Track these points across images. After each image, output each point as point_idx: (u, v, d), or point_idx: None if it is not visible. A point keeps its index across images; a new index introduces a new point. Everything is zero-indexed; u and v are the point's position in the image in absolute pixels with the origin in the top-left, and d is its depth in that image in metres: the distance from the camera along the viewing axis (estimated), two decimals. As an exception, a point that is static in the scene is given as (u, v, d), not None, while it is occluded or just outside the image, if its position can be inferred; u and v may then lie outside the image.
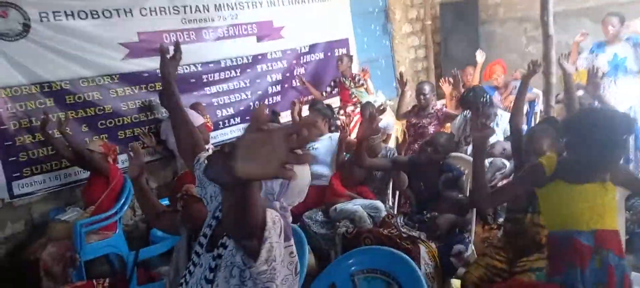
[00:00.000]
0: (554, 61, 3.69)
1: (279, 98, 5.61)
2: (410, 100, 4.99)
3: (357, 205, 3.22)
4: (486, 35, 7.35)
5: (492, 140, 3.71)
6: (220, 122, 5.06)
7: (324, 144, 3.83)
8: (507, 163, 3.54)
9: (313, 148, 3.81)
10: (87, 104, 4.08)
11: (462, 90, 4.47)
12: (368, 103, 4.86)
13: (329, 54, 6.04)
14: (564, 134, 1.96)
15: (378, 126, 2.71)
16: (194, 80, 4.80)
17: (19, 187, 3.74)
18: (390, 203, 3.43)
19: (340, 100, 5.71)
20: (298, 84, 5.75)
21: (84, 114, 4.08)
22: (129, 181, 3.84)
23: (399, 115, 4.69)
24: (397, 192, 3.44)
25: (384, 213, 3.17)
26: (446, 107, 4.60)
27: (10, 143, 3.68)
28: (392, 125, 4.79)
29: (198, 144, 1.67)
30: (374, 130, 2.69)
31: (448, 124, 4.33)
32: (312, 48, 5.93)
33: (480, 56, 5.16)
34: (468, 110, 3.82)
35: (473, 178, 2.05)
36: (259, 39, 5.33)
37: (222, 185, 0.94)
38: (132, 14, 4.29)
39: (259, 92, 5.40)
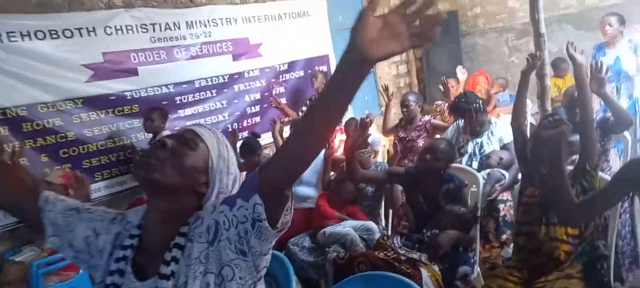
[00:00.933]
0: (547, 62, 3.50)
1: (258, 118, 5.32)
2: (395, 116, 4.77)
3: (347, 227, 2.93)
4: (468, 47, 7.23)
5: (487, 149, 3.48)
6: (196, 146, 4.72)
7: (308, 163, 3.53)
8: (506, 174, 3.29)
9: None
10: (47, 132, 3.73)
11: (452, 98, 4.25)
12: (351, 118, 4.60)
13: (309, 71, 5.79)
14: None
15: (367, 136, 2.45)
16: (166, 103, 4.48)
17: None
18: (384, 223, 3.14)
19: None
20: (273, 105, 5.47)
21: (44, 143, 3.71)
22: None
23: (385, 131, 4.44)
24: (391, 211, 3.16)
25: (377, 235, 2.89)
26: (434, 118, 4.37)
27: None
28: (379, 141, 4.52)
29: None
30: (364, 139, 2.42)
31: (438, 136, 4.08)
32: (292, 65, 5.69)
33: (461, 74, 4.98)
34: (461, 119, 3.59)
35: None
36: (235, 57, 5.06)
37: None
38: (95, 33, 3.98)
39: (237, 113, 5.11)
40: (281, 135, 4.55)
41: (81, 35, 3.90)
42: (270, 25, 5.39)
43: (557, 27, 6.34)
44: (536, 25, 3.40)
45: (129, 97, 4.19)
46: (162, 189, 1.06)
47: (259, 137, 4.05)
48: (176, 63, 4.54)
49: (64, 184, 3.37)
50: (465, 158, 3.49)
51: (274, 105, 5.40)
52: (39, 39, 3.67)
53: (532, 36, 3.47)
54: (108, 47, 4.06)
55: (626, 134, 3.22)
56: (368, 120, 3.86)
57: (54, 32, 3.74)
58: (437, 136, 4.08)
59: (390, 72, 7.31)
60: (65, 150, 3.82)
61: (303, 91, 5.70)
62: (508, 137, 3.42)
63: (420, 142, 4.02)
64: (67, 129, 3.83)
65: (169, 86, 4.51)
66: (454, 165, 2.77)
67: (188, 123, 4.66)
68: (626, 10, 4.70)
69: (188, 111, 4.68)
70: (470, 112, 3.42)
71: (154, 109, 4.00)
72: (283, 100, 5.51)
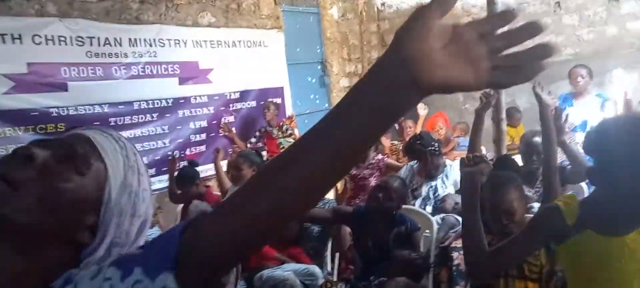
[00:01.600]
0: (503, 106, 3.40)
1: (203, 147, 4.96)
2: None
3: (288, 271, 2.61)
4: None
5: (441, 192, 3.30)
6: (130, 173, 4.30)
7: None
8: (461, 220, 3.09)
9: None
10: (-52, 146, 3.23)
11: (407, 138, 4.09)
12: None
13: (262, 102, 5.53)
14: (590, 153, 1.43)
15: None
16: (98, 123, 4.05)
17: None
18: (329, 268, 2.84)
19: (267, 152, 5.16)
20: (222, 133, 5.16)
21: (-57, 159, 3.20)
22: None
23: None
24: (338, 254, 2.87)
25: (321, 281, 2.59)
26: (388, 157, 4.18)
27: None
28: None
29: None
30: None
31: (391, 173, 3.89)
32: (243, 95, 5.41)
33: (422, 109, 4.87)
34: (415, 161, 3.40)
35: (464, 233, 1.52)
36: (182, 81, 4.73)
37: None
38: (21, 41, 3.57)
39: (180, 140, 4.74)
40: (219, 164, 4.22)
41: (4, 41, 3.48)
42: (223, 52, 5.14)
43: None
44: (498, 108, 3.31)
45: (54, 114, 3.76)
46: (15, 232, 0.65)
47: (197, 165, 3.70)
48: (114, 81, 4.16)
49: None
50: (418, 202, 3.29)
51: (223, 132, 5.08)
52: (-50, 41, 3.22)
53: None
54: (35, 58, 3.65)
55: (583, 184, 3.12)
56: None
57: (-30, 35, 3.32)
58: (391, 173, 3.89)
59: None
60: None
61: (254, 122, 5.42)
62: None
63: (373, 181, 3.79)
64: (-25, 144, 3.35)
65: (103, 105, 4.11)
66: (409, 207, 2.54)
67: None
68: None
69: (125, 134, 4.21)
70: (426, 155, 3.24)
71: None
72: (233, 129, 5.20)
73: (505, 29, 0.49)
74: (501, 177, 1.99)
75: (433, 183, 3.31)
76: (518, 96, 6.38)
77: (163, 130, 4.58)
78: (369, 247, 2.33)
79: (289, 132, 5.01)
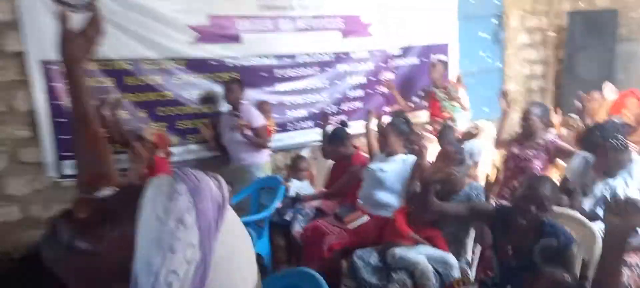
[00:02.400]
0: None
1: (360, 104, 4.99)
2: (514, 125, 4.08)
3: (421, 254, 2.52)
4: (625, 55, 6.02)
5: (621, 194, 2.75)
6: (289, 124, 4.58)
7: (395, 167, 3.13)
8: (641, 231, 2.57)
9: (381, 170, 3.15)
10: (148, 88, 3.83)
11: (587, 122, 3.49)
12: (447, 128, 4.04)
13: (425, 59, 5.27)
14: None
15: (452, 167, 2.01)
16: (266, 75, 4.36)
17: (69, 167, 3.57)
18: (469, 258, 2.65)
19: (430, 114, 4.94)
20: (384, 90, 5.09)
21: (144, 98, 3.82)
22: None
23: (498, 143, 3.82)
24: (479, 248, 2.66)
25: (456, 272, 2.45)
26: (560, 138, 3.64)
27: (63, 120, 3.51)
28: (479, 151, 3.93)
29: (107, 174, 1.08)
30: (445, 174, 1.99)
31: (560, 162, 3.39)
32: (405, 51, 5.21)
33: (610, 92, 4.06)
34: (592, 154, 2.88)
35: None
36: (345, 35, 4.74)
37: None
38: (203, -5, 3.95)
39: (337, 95, 4.83)
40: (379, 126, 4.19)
41: (189, -5, 3.89)
42: (386, 4, 4.94)
43: None
44: None
45: (230, 65, 4.14)
46: None
47: (348, 126, 3.74)
48: (281, 34, 4.37)
49: (154, 143, 3.44)
50: (589, 202, 2.81)
51: (386, 87, 5.02)
52: (150, -5, 3.72)
53: None
54: (215, 11, 4.02)
55: None
56: (470, 133, 3.33)
57: (166, -10, 3.78)
58: (560, 162, 3.40)
59: (521, 70, 6.42)
60: (163, 108, 3.91)
61: (415, 81, 5.22)
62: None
63: (537, 164, 3.37)
64: (166, 88, 3.90)
65: (270, 58, 4.37)
66: (566, 210, 2.19)
67: (284, 99, 4.51)
68: None
69: (287, 86, 4.51)
70: (604, 148, 2.71)
71: (234, 80, 3.90)
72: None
73: None
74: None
75: (612, 182, 2.78)
76: None
77: (323, 84, 4.71)
78: (509, 255, 2.09)
79: (455, 95, 4.70)
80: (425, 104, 5.02)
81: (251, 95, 4.23)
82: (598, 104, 4.27)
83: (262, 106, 4.11)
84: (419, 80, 5.21)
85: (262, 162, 3.88)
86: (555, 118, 4.45)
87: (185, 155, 4.04)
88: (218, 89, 4.09)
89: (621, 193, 2.74)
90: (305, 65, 4.58)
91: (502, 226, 2.16)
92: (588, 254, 2.24)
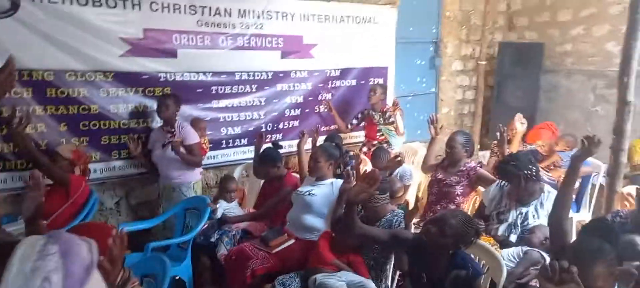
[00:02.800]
0: (627, 135, 2.87)
1: (296, 123, 5.01)
2: (440, 151, 4.25)
3: (342, 281, 2.56)
4: (549, 85, 6.45)
5: (532, 222, 2.93)
6: (224, 141, 4.52)
7: (323, 191, 3.17)
8: (547, 258, 2.73)
9: (310, 194, 3.18)
10: (70, 101, 3.64)
11: (506, 151, 3.68)
12: (382, 150, 4.16)
13: (363, 81, 5.39)
14: None
15: (374, 190, 2.07)
16: (201, 91, 4.29)
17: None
18: (389, 284, 2.71)
19: (365, 136, 5.05)
20: (322, 110, 5.15)
21: (65, 111, 3.63)
22: (95, 195, 3.38)
23: (424, 167, 3.96)
24: (398, 273, 2.73)
25: (374, 298, 2.49)
26: (482, 165, 3.82)
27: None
28: (410, 174, 4.05)
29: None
30: (367, 195, 2.04)
31: (480, 189, 3.55)
32: (344, 72, 5.31)
33: (520, 124, 4.33)
34: (506, 183, 3.05)
35: None
36: (284, 55, 4.76)
37: None
38: (140, 8, 3.84)
39: (274, 113, 4.83)
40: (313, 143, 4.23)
41: (125, 7, 3.77)
42: (329, 27, 5.04)
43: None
44: (623, 90, 2.78)
45: (162, 79, 4.04)
46: None
47: (281, 147, 3.74)
48: (220, 51, 4.32)
49: (71, 160, 3.28)
50: (503, 227, 2.96)
51: (325, 107, 5.08)
52: (80, 4, 3.57)
53: (616, 102, 2.85)
54: (151, 24, 3.91)
55: None
56: (398, 159, 3.42)
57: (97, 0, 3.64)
58: (480, 189, 3.56)
59: (454, 96, 6.71)
60: (86, 122, 3.74)
61: (352, 102, 5.31)
62: (560, 214, 2.85)
63: (459, 190, 3.52)
64: (92, 101, 3.73)
65: (207, 74, 4.31)
66: (480, 242, 2.29)
67: (221, 115, 4.46)
68: None
69: (223, 103, 4.46)
70: (519, 178, 2.87)
71: (169, 96, 3.82)
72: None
73: None
74: (587, 247, 1.68)
75: (524, 209, 2.95)
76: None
77: (260, 102, 4.70)
78: (423, 283, 2.16)
79: (392, 119, 4.82)
80: (362, 125, 5.12)
81: (186, 111, 4.14)
82: (513, 132, 4.51)
83: (196, 123, 4.03)
84: (356, 102, 5.32)
85: (193, 181, 3.79)
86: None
87: (109, 172, 3.89)
88: (150, 103, 3.98)
89: (531, 220, 2.91)
90: (243, 82, 4.55)
91: (418, 254, 2.23)
92: (496, 280, 2.36)
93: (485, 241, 2.98)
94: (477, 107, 6.48)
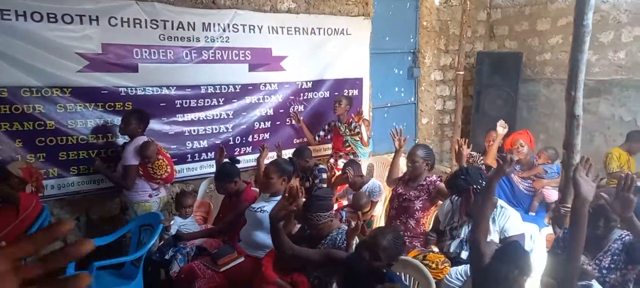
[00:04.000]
0: (578, 149, 2.80)
1: (267, 135, 4.97)
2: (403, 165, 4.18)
3: (281, 301, 2.48)
4: (529, 95, 6.40)
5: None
6: (189, 155, 4.47)
7: (276, 207, 3.10)
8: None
9: (262, 210, 3.11)
10: (26, 117, 3.61)
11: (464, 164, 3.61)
12: (352, 162, 4.11)
13: (337, 93, 5.34)
14: None
15: (295, 207, 2.01)
16: (164, 105, 4.26)
17: None
18: (332, 303, 2.64)
19: (332, 148, 5.00)
20: (294, 122, 5.10)
21: (20, 128, 3.60)
22: (47, 212, 3.33)
23: (388, 181, 3.90)
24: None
25: (313, 319, 2.41)
26: (442, 179, 3.75)
27: None
28: (379, 190, 3.99)
29: None
30: (288, 213, 1.99)
31: (440, 202, 3.48)
32: (317, 84, 5.27)
33: (501, 128, 4.27)
34: (457, 197, 2.98)
35: None
36: (252, 68, 4.73)
37: None
38: (98, 23, 3.82)
39: (243, 126, 4.78)
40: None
41: (82, 22, 3.75)
42: (300, 39, 5.01)
43: (635, 94, 5.37)
44: (570, 104, 2.71)
45: (123, 94, 4.00)
46: None
47: (238, 162, 3.68)
48: (184, 65, 4.29)
49: (21, 177, 3.23)
50: (455, 244, 2.89)
51: (294, 120, 5.04)
52: (35, 20, 3.55)
53: (566, 116, 2.78)
54: (110, 39, 3.88)
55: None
56: (344, 176, 3.35)
57: (52, 15, 3.61)
58: (440, 202, 3.49)
59: (434, 106, 6.66)
60: (42, 138, 3.70)
61: (326, 114, 5.27)
62: (513, 229, 2.78)
63: (418, 205, 3.45)
64: (48, 116, 3.70)
65: (170, 88, 4.27)
66: (408, 259, 2.22)
67: (186, 129, 4.41)
68: None
69: (188, 117, 4.42)
70: (469, 192, 2.80)
71: (133, 112, 3.77)
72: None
73: None
74: (494, 275, 1.61)
75: (476, 225, 2.88)
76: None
77: (228, 115, 4.66)
78: (352, 305, 2.11)
79: (357, 130, 4.77)
80: (330, 137, 5.07)
81: (149, 125, 4.10)
82: (493, 140, 4.45)
83: (142, 149, 3.86)
84: (330, 114, 5.26)
85: (134, 202, 3.70)
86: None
87: (67, 187, 3.84)
88: (111, 118, 3.94)
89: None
90: (209, 96, 4.51)
91: (349, 273, 2.16)
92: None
93: (437, 258, 2.94)
94: (456, 117, 6.40)
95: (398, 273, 2.51)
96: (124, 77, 3.99)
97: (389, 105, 6.24)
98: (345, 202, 4.25)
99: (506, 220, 2.79)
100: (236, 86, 4.66)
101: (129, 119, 3.62)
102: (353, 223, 2.46)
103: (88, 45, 3.79)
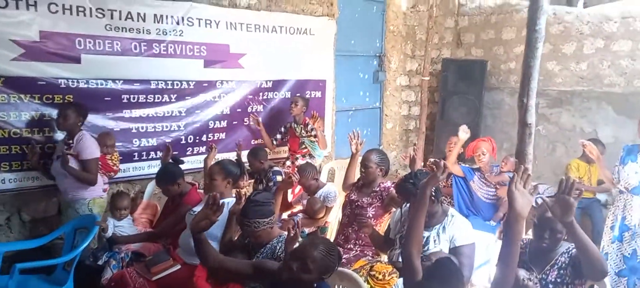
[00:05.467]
0: (530, 158, 2.70)
1: (223, 135, 4.76)
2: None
3: (211, 314, 2.29)
4: (493, 103, 6.36)
5: (432, 248, 2.72)
6: (136, 154, 4.23)
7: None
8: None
9: (201, 213, 2.91)
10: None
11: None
12: (307, 165, 3.95)
13: (298, 94, 5.16)
14: None
15: (216, 216, 1.84)
16: (109, 99, 4.00)
17: None
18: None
19: (289, 149, 4.84)
20: (250, 123, 4.91)
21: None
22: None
23: (344, 186, 3.75)
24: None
25: (245, 334, 2.23)
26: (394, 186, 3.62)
27: None
28: (334, 196, 3.83)
29: None
30: (209, 223, 1.81)
31: (394, 210, 3.35)
32: (277, 84, 5.09)
33: (464, 133, 4.18)
34: (407, 204, 2.85)
35: None
36: (207, 64, 4.51)
37: None
38: (36, 8, 3.55)
39: (196, 125, 4.56)
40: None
41: (17, 7, 3.47)
42: (260, 37, 4.83)
43: (596, 106, 5.39)
44: (523, 112, 2.61)
45: (62, 85, 3.74)
46: None
47: (182, 162, 3.47)
48: (132, 58, 4.05)
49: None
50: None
51: (252, 123, 4.85)
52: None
53: (517, 123, 2.68)
54: (49, 26, 3.62)
55: (606, 281, 2.38)
56: (289, 180, 3.20)
57: (-16, -2, 3.34)
58: (393, 210, 3.35)
59: (400, 111, 6.57)
60: (-35, 131, 3.42)
61: (287, 116, 5.09)
62: (463, 239, 2.66)
63: (371, 212, 3.31)
64: (-25, 107, 3.42)
65: (117, 82, 4.02)
66: (344, 271, 2.07)
67: (134, 126, 4.17)
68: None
69: (136, 113, 4.18)
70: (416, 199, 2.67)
71: (69, 105, 3.53)
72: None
73: None
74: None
75: (426, 233, 2.73)
76: (601, 128, 5.34)
77: (180, 112, 4.43)
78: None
79: (314, 132, 4.62)
80: (287, 139, 4.91)
81: (92, 120, 3.85)
82: (454, 145, 4.36)
83: (103, 139, 3.70)
84: (290, 115, 5.10)
85: (88, 199, 3.45)
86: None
87: (-2, 185, 3.56)
88: (49, 111, 3.67)
89: (431, 246, 2.71)
90: (160, 91, 4.28)
91: (281, 285, 1.99)
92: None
93: (384, 268, 2.80)
94: (421, 124, 6.33)
95: (335, 286, 2.36)
96: (65, 68, 3.73)
97: (354, 109, 6.12)
98: (300, 207, 4.07)
99: (456, 229, 2.67)
100: (190, 82, 4.44)
101: (67, 113, 3.36)
102: (292, 232, 2.29)
103: (24, 32, 3.52)
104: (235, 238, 2.82)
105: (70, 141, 3.37)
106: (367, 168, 3.38)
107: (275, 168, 4.25)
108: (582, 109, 5.51)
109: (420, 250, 1.88)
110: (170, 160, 3.52)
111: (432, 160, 4.49)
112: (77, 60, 3.78)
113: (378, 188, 3.37)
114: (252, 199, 2.47)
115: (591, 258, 1.99)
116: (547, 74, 5.84)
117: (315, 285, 1.88)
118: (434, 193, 2.65)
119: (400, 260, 2.75)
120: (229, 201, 2.87)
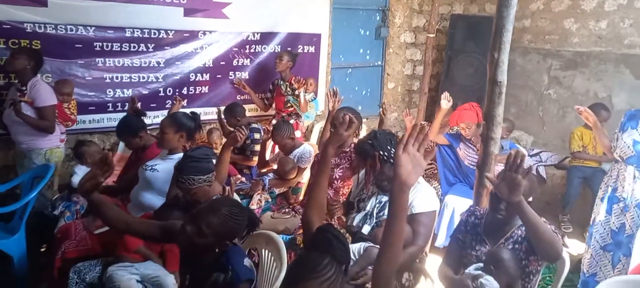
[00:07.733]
0: (499, 121, 2.40)
1: (205, 89, 4.58)
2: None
3: (135, 274, 2.16)
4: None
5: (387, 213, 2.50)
6: (111, 105, 4.10)
7: (169, 167, 2.73)
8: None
9: (153, 169, 2.76)
10: None
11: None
12: (282, 122, 3.73)
13: (289, 49, 4.89)
14: None
15: (106, 176, 1.66)
16: (80, 46, 3.85)
17: None
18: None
19: (275, 107, 4.62)
20: (235, 84, 4.70)
21: None
22: None
23: (318, 146, 3.53)
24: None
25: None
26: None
27: None
28: (309, 156, 3.61)
29: None
30: (96, 183, 1.65)
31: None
32: (266, 37, 4.83)
33: (446, 102, 3.88)
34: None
35: None
36: (187, 13, 4.29)
37: None
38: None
39: (176, 77, 4.39)
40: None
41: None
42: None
43: (613, 68, 4.93)
44: (493, 68, 2.29)
45: (28, 30, 3.60)
46: None
47: (144, 114, 3.31)
48: (104, 3, 3.86)
49: None
50: (359, 217, 2.54)
51: (237, 86, 4.66)
52: None
53: (487, 82, 2.36)
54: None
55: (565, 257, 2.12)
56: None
57: None
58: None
59: (403, 70, 6.22)
60: None
61: (273, 71, 4.85)
62: (422, 206, 2.42)
63: (338, 173, 3.10)
64: None
65: (88, 28, 3.85)
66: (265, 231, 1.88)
67: (107, 75, 4.02)
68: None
69: (110, 62, 4.02)
70: (375, 159, 2.44)
71: (22, 49, 3.38)
72: (245, 75, 4.74)
73: None
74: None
75: (384, 198, 2.52)
76: (616, 93, 4.90)
77: (158, 63, 4.25)
78: (186, 285, 1.77)
79: (297, 92, 4.39)
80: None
81: (61, 67, 3.73)
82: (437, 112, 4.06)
83: (61, 86, 3.57)
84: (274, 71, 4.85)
85: (45, 148, 3.34)
86: (408, 120, 4.27)
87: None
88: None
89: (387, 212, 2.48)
90: (136, 40, 4.10)
91: (183, 253, 1.83)
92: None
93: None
94: (423, 84, 5.98)
95: (263, 251, 2.18)
96: (30, 11, 3.58)
97: (353, 66, 5.81)
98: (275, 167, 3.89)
99: (415, 196, 2.43)
100: (168, 32, 4.24)
101: (17, 57, 3.20)
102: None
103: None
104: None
105: (23, 88, 3.24)
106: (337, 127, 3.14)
107: (253, 125, 4.05)
108: (597, 72, 5.06)
109: (322, 215, 1.66)
110: (132, 112, 3.37)
111: (409, 118, 4.26)
112: (44, 4, 3.62)
113: (348, 150, 3.14)
114: (189, 155, 2.29)
115: (542, 240, 1.76)
116: (563, 32, 5.37)
117: (218, 249, 1.69)
118: (392, 156, 2.41)
119: (354, 223, 2.56)
120: (180, 156, 2.70)
